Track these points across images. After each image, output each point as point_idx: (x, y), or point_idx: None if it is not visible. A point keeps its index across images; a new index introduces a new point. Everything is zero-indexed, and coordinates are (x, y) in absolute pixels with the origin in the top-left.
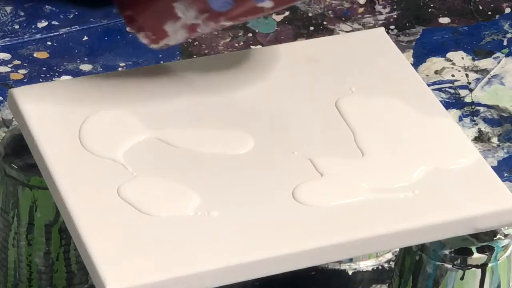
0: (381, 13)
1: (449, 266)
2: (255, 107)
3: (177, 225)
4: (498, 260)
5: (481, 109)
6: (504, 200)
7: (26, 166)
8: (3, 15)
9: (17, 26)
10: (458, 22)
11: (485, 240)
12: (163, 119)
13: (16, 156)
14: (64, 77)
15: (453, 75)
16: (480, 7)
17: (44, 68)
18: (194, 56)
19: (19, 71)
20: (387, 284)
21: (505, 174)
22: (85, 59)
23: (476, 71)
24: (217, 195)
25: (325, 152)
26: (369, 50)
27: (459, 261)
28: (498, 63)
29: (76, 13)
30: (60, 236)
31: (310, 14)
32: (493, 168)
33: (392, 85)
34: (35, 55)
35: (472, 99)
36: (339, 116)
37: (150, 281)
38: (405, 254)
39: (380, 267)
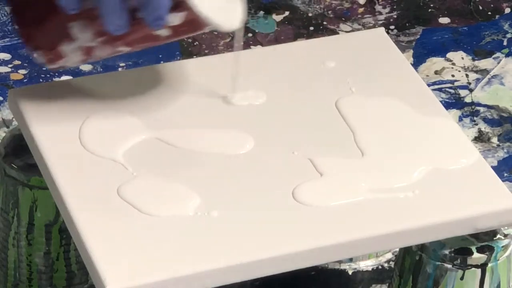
0: (381, 13)
1: (449, 266)
2: (255, 107)
3: (177, 225)
4: (498, 260)
5: (481, 109)
6: (504, 200)
7: (26, 166)
8: (3, 15)
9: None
10: (458, 22)
11: (485, 240)
12: (163, 119)
13: (16, 156)
14: (64, 77)
15: (453, 75)
16: (480, 7)
17: (44, 68)
18: (194, 56)
19: (19, 71)
20: (387, 284)
21: (505, 174)
22: None
23: (476, 71)
24: (217, 195)
25: (325, 152)
26: (369, 50)
27: (459, 261)
28: (498, 63)
29: None
30: (60, 236)
31: (310, 14)
32: (493, 168)
33: (392, 85)
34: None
35: (472, 99)
36: (339, 116)
37: (150, 281)
38: (405, 254)
39: (380, 267)
